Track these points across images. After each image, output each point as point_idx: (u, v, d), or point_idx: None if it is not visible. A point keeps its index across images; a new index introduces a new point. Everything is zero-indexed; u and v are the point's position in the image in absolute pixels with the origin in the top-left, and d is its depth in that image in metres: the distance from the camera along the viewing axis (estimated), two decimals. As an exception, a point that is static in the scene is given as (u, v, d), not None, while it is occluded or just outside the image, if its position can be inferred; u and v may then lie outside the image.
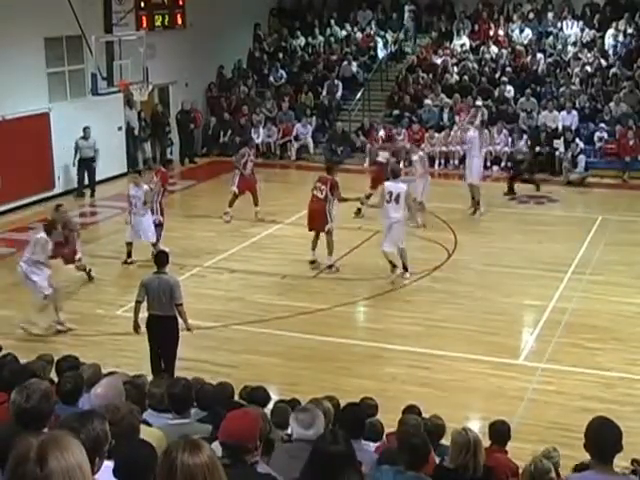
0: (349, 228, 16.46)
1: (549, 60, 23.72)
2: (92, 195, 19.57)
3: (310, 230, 14.30)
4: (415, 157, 16.96)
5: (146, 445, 3.91)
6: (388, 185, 13.64)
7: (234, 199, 16.93)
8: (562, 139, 20.90)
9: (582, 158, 20.42)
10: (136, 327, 9.94)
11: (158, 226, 14.67)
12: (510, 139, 21.40)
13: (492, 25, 25.34)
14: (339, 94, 24.47)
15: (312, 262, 14.38)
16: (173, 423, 5.58)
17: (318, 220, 14.04)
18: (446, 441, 6.56)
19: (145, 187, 14.34)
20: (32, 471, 2.43)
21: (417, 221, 16.25)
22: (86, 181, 19.58)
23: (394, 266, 13.66)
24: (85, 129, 19.38)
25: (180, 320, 9.73)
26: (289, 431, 5.70)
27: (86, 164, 19.47)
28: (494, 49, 24.43)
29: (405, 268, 13.66)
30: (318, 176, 14.58)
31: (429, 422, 6.90)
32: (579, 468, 5.92)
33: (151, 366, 9.77)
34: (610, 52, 23.44)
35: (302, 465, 4.35)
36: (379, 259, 14.69)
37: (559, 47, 24.15)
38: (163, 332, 9.66)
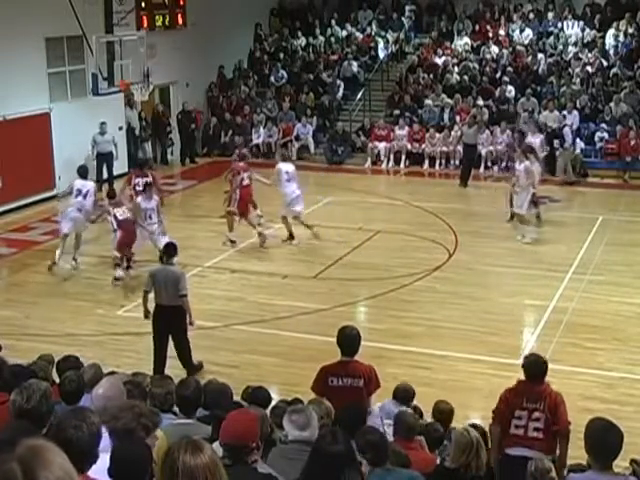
0: (349, 228, 16.48)
1: (550, 60, 23.71)
2: (111, 188, 19.79)
3: (243, 214, 15.56)
4: (520, 166, 15.75)
5: (141, 445, 3.91)
6: (282, 166, 15.60)
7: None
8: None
9: (581, 158, 20.47)
10: (146, 313, 10.18)
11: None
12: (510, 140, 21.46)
13: (493, 25, 25.36)
14: (340, 94, 24.49)
15: (232, 242, 15.59)
16: (177, 423, 5.57)
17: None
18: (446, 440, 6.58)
19: (156, 198, 14.17)
20: None
21: (531, 236, 15.49)
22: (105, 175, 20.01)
23: (292, 236, 15.52)
24: (102, 124, 19.62)
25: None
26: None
27: (105, 158, 19.70)
28: (495, 49, 24.43)
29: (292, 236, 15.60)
30: (240, 168, 15.65)
31: (437, 409, 7.08)
32: (573, 469, 5.92)
33: (154, 361, 9.92)
34: (611, 52, 23.44)
35: (298, 466, 4.35)
36: (379, 259, 14.73)
37: (560, 47, 24.15)
38: (171, 322, 9.93)
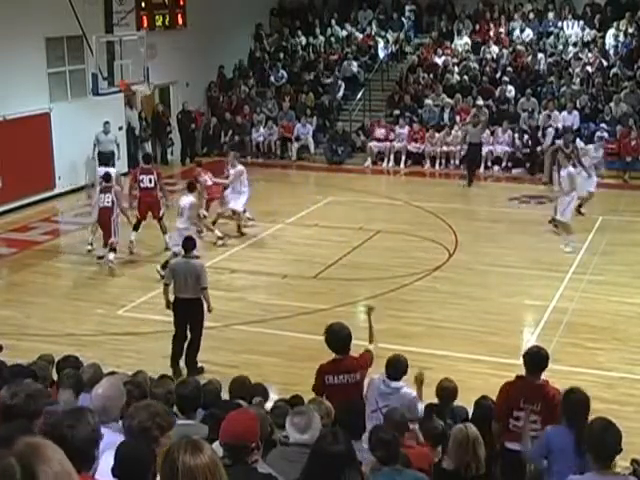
0: (350, 228, 16.48)
1: (550, 60, 23.71)
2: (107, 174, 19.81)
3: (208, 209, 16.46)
4: (563, 172, 15.28)
5: (145, 444, 3.91)
6: (243, 167, 16.40)
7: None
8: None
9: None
10: (168, 304, 10.47)
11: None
12: (511, 140, 21.49)
13: (493, 25, 25.36)
14: (340, 94, 24.48)
15: (221, 238, 15.72)
16: (178, 423, 5.56)
17: None
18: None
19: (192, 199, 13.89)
20: None
21: (573, 245, 14.97)
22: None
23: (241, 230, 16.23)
24: (106, 123, 19.71)
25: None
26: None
27: (106, 158, 19.65)
28: (495, 49, 24.43)
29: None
30: (197, 173, 16.54)
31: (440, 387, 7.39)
32: None
33: (172, 349, 10.30)
34: (611, 52, 23.45)
35: (298, 468, 4.34)
36: (379, 259, 14.73)
37: (560, 47, 24.15)
38: (190, 313, 10.27)
